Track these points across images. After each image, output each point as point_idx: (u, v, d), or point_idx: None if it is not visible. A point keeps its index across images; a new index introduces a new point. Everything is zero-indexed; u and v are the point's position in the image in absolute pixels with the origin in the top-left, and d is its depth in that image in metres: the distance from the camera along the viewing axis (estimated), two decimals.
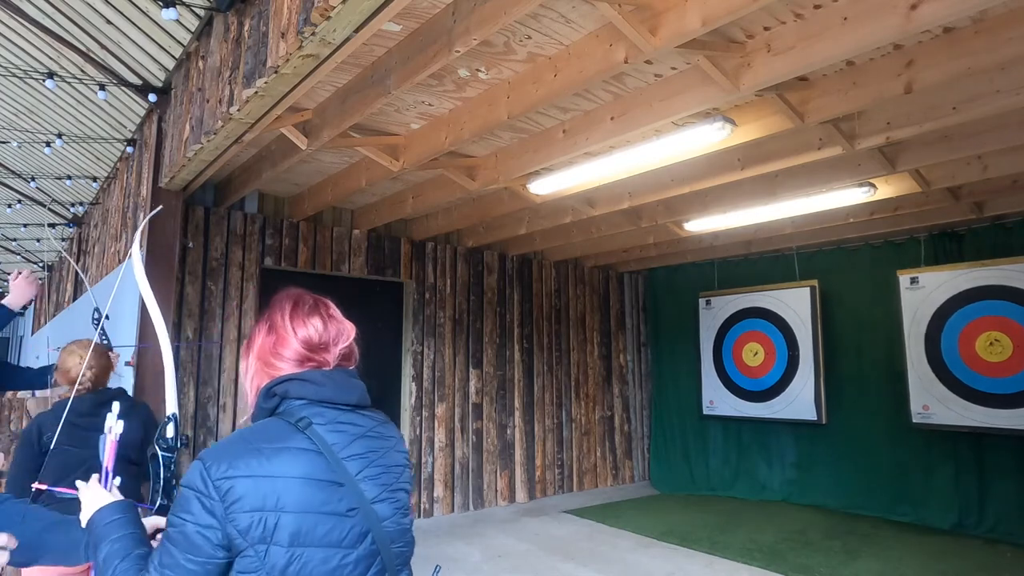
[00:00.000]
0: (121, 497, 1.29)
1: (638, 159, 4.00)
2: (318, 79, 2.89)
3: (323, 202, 5.21)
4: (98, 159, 5.80)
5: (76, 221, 7.80)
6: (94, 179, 6.24)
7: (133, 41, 3.82)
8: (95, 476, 1.32)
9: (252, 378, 1.26)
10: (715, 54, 2.91)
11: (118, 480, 1.34)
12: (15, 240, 8.86)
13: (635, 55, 2.71)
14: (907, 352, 5.88)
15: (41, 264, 10.08)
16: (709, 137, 3.59)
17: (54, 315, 9.20)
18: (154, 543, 1.30)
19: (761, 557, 4.94)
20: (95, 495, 1.27)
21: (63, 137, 5.23)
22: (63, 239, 8.49)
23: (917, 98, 3.30)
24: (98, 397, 2.57)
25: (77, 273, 6.97)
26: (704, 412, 7.49)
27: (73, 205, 7.36)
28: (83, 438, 2.45)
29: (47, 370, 3.14)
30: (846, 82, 3.20)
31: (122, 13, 3.53)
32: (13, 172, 6.37)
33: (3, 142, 5.54)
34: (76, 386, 2.53)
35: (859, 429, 6.33)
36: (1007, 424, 5.28)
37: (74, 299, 7.29)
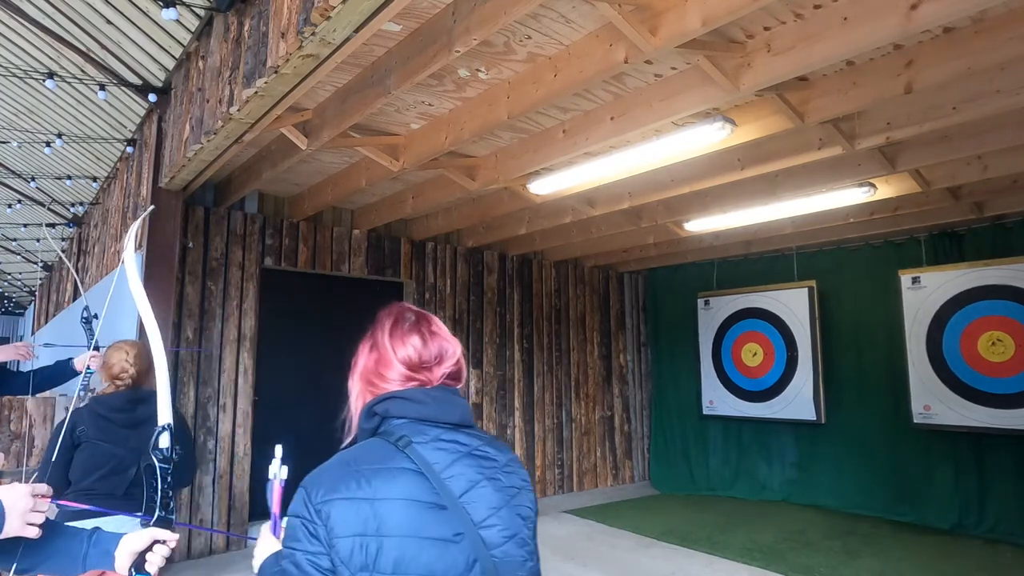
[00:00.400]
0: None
1: (638, 159, 4.00)
2: (318, 79, 2.89)
3: (323, 202, 5.21)
4: (98, 159, 5.80)
5: (76, 221, 7.80)
6: (94, 179, 6.24)
7: (133, 41, 3.82)
8: (267, 524, 1.28)
9: (357, 398, 1.23)
10: (715, 54, 2.91)
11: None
12: (15, 240, 8.86)
13: (635, 55, 2.71)
14: (908, 352, 5.88)
15: (41, 264, 10.08)
16: (709, 137, 3.59)
17: (54, 315, 9.20)
18: (150, 555, 1.30)
19: (761, 557, 4.94)
20: (265, 542, 1.25)
21: (63, 137, 5.23)
22: (63, 239, 8.50)
23: (917, 98, 3.30)
24: (134, 394, 2.58)
25: (76, 273, 6.98)
26: (704, 412, 7.50)
27: (73, 205, 7.36)
28: (114, 434, 2.49)
29: (35, 373, 3.15)
30: (846, 82, 3.20)
31: (122, 13, 3.54)
32: (13, 172, 6.37)
33: (3, 142, 5.54)
34: (116, 381, 2.58)
35: (859, 429, 6.33)
36: (1009, 424, 5.28)
37: (73, 299, 7.30)
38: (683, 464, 7.70)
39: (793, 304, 6.74)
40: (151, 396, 2.59)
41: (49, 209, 7.32)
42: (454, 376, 1.23)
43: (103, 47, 3.94)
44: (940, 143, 3.87)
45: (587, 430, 7.54)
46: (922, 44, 2.93)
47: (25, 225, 7.88)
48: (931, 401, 5.73)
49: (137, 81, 4.20)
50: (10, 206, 7.05)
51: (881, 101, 3.16)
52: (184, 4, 3.22)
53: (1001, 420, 5.32)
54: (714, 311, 7.49)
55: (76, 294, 7.20)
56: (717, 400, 7.37)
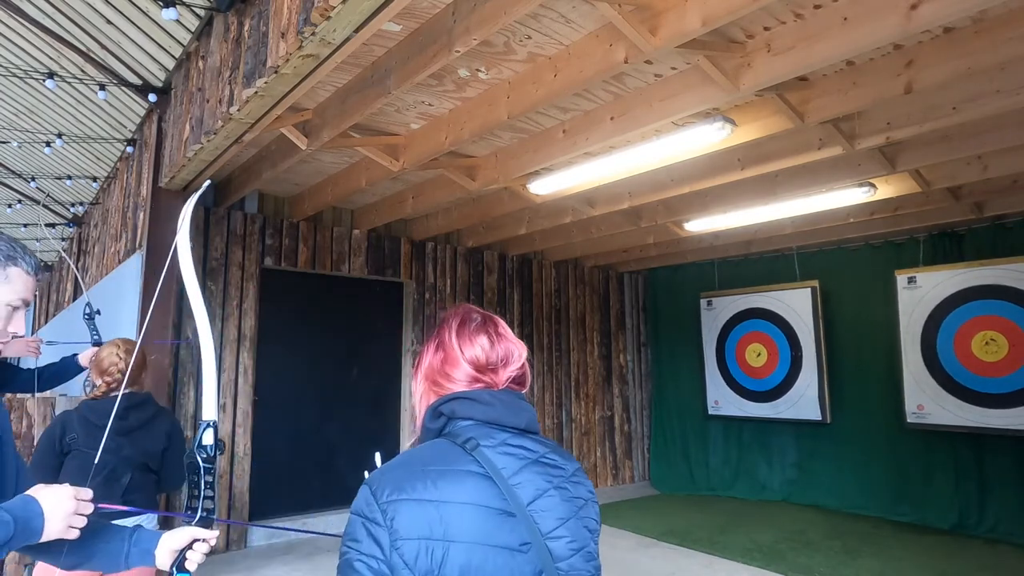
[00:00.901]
0: None
1: (638, 159, 4.00)
2: (318, 79, 2.88)
3: (323, 202, 5.21)
4: (98, 159, 5.80)
5: (76, 221, 7.80)
6: (94, 179, 6.24)
7: (133, 41, 3.82)
8: None
9: (421, 398, 1.20)
10: (715, 54, 2.91)
11: None
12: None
13: (635, 55, 2.71)
14: (903, 352, 5.89)
15: (41, 264, 10.06)
16: (709, 137, 3.59)
17: (54, 315, 9.20)
18: (190, 553, 1.31)
19: (761, 557, 4.94)
20: None
21: (63, 137, 5.23)
22: (63, 239, 8.50)
23: (917, 98, 3.30)
24: (128, 400, 2.45)
25: (75, 273, 6.98)
26: (710, 412, 7.50)
27: (73, 205, 7.36)
28: (107, 442, 2.31)
29: (37, 372, 3.13)
30: (846, 82, 3.20)
31: (122, 13, 3.54)
32: (13, 172, 6.37)
33: (3, 142, 5.54)
34: (105, 377, 2.48)
35: (859, 429, 6.33)
36: (1002, 424, 5.28)
37: (74, 299, 7.29)
38: (683, 464, 7.70)
39: (796, 304, 6.74)
40: (145, 401, 2.54)
41: (49, 209, 7.32)
42: (519, 380, 1.19)
43: (103, 47, 3.94)
44: (940, 143, 3.87)
45: (587, 430, 7.54)
46: (922, 44, 2.93)
47: (25, 225, 7.88)
48: (924, 401, 5.73)
49: (137, 81, 4.20)
50: (10, 206, 7.05)
51: (881, 101, 3.16)
52: (184, 4, 3.22)
53: (995, 420, 5.33)
54: (717, 311, 7.49)
55: (76, 293, 7.20)
56: (722, 400, 7.37)
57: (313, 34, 2.33)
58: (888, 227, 5.66)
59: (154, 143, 4.40)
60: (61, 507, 1.19)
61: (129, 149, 5.23)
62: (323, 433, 5.65)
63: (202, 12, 3.36)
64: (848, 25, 2.62)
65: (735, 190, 4.88)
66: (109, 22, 3.66)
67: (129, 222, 4.97)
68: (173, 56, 3.91)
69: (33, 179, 6.43)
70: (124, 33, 3.75)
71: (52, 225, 7.82)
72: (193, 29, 3.56)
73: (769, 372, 6.96)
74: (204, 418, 1.36)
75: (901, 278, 5.97)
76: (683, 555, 5.08)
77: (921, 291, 5.84)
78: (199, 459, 1.32)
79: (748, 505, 6.78)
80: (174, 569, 1.31)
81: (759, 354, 7.08)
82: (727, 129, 3.49)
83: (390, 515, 0.99)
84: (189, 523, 1.33)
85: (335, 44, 2.46)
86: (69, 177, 6.23)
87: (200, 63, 3.62)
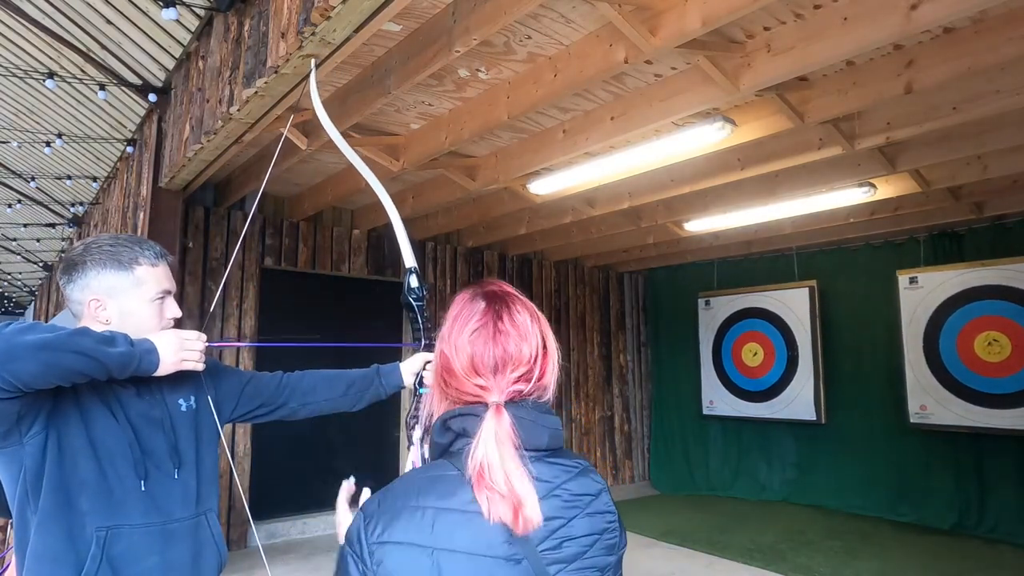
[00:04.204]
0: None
1: (638, 159, 4.00)
2: (318, 79, 2.88)
3: (323, 202, 5.21)
4: (98, 159, 5.79)
5: (76, 221, 7.80)
6: (94, 179, 6.24)
7: (133, 41, 3.82)
8: (344, 490, 1.24)
9: (432, 401, 1.05)
10: (715, 54, 2.91)
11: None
12: (15, 240, 8.86)
13: (635, 55, 2.71)
14: (905, 352, 5.89)
15: (41, 264, 10.07)
16: (709, 137, 3.59)
17: (54, 315, 9.19)
18: (425, 373, 1.64)
19: (761, 557, 4.94)
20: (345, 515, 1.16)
21: (63, 137, 5.23)
22: (63, 239, 8.49)
23: (917, 98, 3.30)
24: None
25: None
26: (704, 412, 7.49)
27: (73, 205, 7.35)
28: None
29: None
30: (846, 82, 3.20)
31: (122, 13, 3.53)
32: (13, 172, 6.37)
33: (3, 142, 5.54)
34: None
35: (859, 429, 6.33)
36: (1005, 424, 5.28)
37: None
38: (683, 464, 7.70)
39: (794, 304, 6.74)
40: None
41: (49, 209, 7.32)
42: (527, 379, 0.98)
43: (103, 47, 3.93)
44: (940, 143, 3.87)
45: (587, 430, 7.54)
46: (922, 44, 2.93)
47: (25, 225, 7.88)
48: (927, 401, 5.73)
49: (137, 81, 4.20)
50: (10, 206, 7.05)
51: (881, 101, 3.17)
52: (184, 4, 3.22)
53: (998, 420, 5.32)
54: (715, 311, 7.49)
55: None
56: (717, 400, 7.37)
57: (313, 34, 2.33)
58: (888, 227, 5.66)
59: (154, 143, 4.40)
60: (168, 340, 1.33)
61: (129, 149, 5.23)
62: (323, 433, 5.65)
63: (202, 12, 3.36)
64: (848, 25, 2.62)
65: (735, 190, 4.88)
66: (109, 22, 3.66)
67: (129, 222, 4.96)
68: (173, 56, 3.90)
69: (33, 179, 6.43)
70: (124, 33, 3.74)
71: (52, 225, 7.82)
72: (193, 29, 3.56)
73: (765, 372, 6.96)
74: (407, 266, 1.63)
75: (903, 278, 5.97)
76: (683, 555, 5.08)
77: (923, 291, 5.84)
78: (411, 299, 1.58)
79: (748, 505, 6.78)
80: (416, 386, 1.65)
81: (755, 354, 7.08)
82: (727, 129, 3.49)
83: (377, 559, 0.88)
84: (418, 350, 1.68)
85: (335, 44, 2.47)
86: (69, 177, 6.22)
87: (200, 63, 3.62)
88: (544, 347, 1.01)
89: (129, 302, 1.40)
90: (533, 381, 0.99)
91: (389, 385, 1.78)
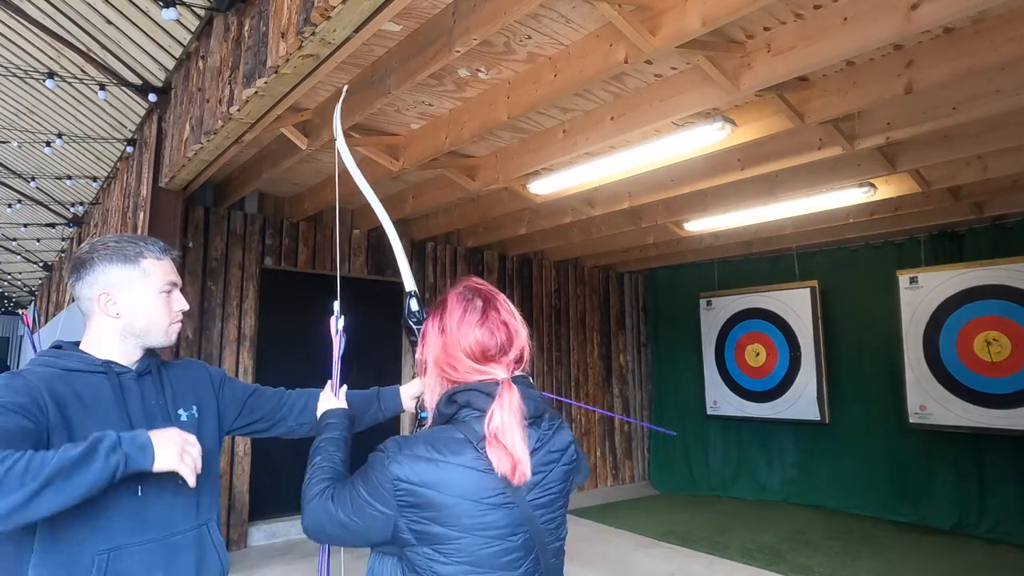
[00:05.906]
0: (345, 405, 1.55)
1: (638, 159, 4.00)
2: (318, 79, 2.89)
3: (323, 202, 5.21)
4: (98, 159, 5.79)
5: (76, 221, 7.80)
6: (94, 179, 6.24)
7: (133, 41, 3.82)
8: (329, 383, 1.58)
9: (433, 383, 1.26)
10: (715, 54, 2.91)
11: (344, 388, 1.62)
12: (15, 240, 8.86)
13: (635, 55, 2.71)
14: (905, 352, 5.89)
15: (41, 264, 10.07)
16: (709, 137, 3.59)
17: (54, 315, 9.20)
18: (423, 397, 1.62)
19: (761, 557, 4.94)
20: (328, 398, 1.56)
21: (63, 137, 5.23)
22: (63, 239, 8.49)
23: (917, 98, 3.30)
24: None
25: None
26: (708, 412, 7.49)
27: (73, 205, 7.35)
28: None
29: None
30: (846, 82, 3.20)
31: (122, 13, 3.53)
32: (13, 172, 6.37)
33: (3, 142, 5.54)
34: None
35: (859, 429, 6.33)
36: (1005, 424, 5.28)
37: (73, 299, 7.29)
38: (683, 464, 7.70)
39: (795, 304, 6.74)
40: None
41: (49, 209, 7.32)
42: (519, 360, 1.24)
43: (103, 47, 3.94)
44: (940, 143, 3.87)
45: (587, 430, 7.54)
46: (922, 44, 2.93)
47: (25, 225, 7.88)
48: (927, 401, 5.73)
49: (137, 81, 4.20)
50: (10, 206, 7.05)
51: (881, 101, 3.17)
52: (184, 4, 3.22)
53: (998, 420, 5.32)
54: (716, 311, 7.49)
55: None
56: (721, 400, 7.37)
57: (313, 34, 2.33)
58: (888, 227, 5.66)
59: (154, 143, 4.40)
60: (170, 439, 1.22)
61: (129, 149, 5.23)
62: None
63: (202, 12, 3.36)
64: (848, 25, 2.62)
65: (735, 190, 4.88)
66: (109, 22, 3.66)
67: (129, 222, 4.96)
68: (173, 56, 3.90)
69: (33, 179, 6.43)
70: (124, 33, 3.75)
71: (52, 225, 7.82)
72: (193, 29, 3.56)
73: (768, 372, 6.96)
74: (407, 289, 1.63)
75: (903, 278, 5.97)
76: (683, 555, 5.08)
77: (923, 291, 5.84)
78: (411, 323, 1.57)
79: (748, 505, 6.78)
80: (417, 409, 1.64)
81: (758, 354, 7.08)
82: (727, 129, 3.48)
83: (397, 490, 1.12)
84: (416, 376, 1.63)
85: (335, 44, 2.47)
86: (69, 177, 6.22)
87: (200, 63, 3.62)
88: (527, 333, 1.27)
89: (137, 294, 1.41)
90: (524, 361, 1.24)
91: (388, 409, 1.77)
